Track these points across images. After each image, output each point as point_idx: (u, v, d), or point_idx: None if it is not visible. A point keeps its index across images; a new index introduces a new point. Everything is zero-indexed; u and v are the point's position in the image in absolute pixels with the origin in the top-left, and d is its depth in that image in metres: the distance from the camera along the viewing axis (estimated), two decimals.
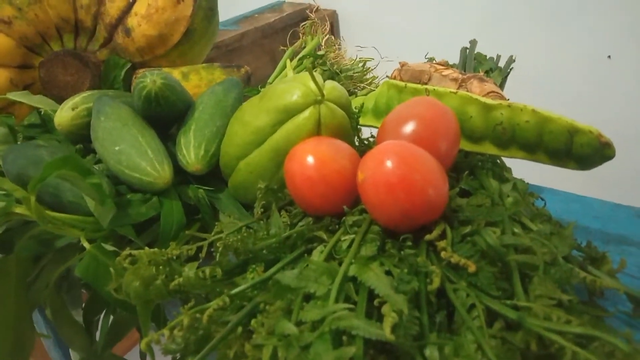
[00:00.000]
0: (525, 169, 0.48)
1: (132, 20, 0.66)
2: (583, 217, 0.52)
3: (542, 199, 0.48)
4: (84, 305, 0.52)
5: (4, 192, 0.45)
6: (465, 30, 0.90)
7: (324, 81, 0.45)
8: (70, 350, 0.67)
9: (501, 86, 0.62)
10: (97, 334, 0.52)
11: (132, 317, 0.51)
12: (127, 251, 0.39)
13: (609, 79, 1.09)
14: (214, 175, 0.51)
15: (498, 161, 0.46)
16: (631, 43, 1.07)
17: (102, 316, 0.51)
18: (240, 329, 0.35)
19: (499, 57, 0.65)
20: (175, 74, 0.67)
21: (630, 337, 0.30)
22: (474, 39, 0.66)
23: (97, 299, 0.51)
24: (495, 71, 0.60)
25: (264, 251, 0.39)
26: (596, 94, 1.10)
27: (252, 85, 0.71)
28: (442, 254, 0.34)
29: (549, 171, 0.55)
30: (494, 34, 0.95)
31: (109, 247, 0.42)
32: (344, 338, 0.29)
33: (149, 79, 0.49)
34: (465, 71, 0.62)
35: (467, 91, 0.46)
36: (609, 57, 1.09)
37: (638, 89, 1.06)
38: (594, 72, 1.10)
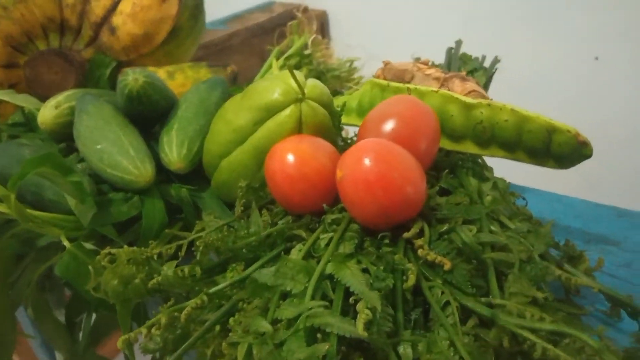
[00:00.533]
0: (509, 170, 0.48)
1: (117, 19, 0.65)
2: (565, 217, 0.52)
3: (524, 199, 0.48)
4: (65, 306, 0.52)
5: None
6: (452, 30, 0.91)
7: (307, 80, 0.45)
8: (56, 352, 0.67)
9: (486, 86, 0.62)
10: (80, 334, 0.52)
11: (114, 316, 0.51)
12: (106, 250, 0.39)
13: (596, 81, 1.09)
14: (197, 174, 0.51)
15: (479, 160, 0.47)
16: (619, 45, 1.08)
17: (84, 316, 0.51)
18: (218, 328, 0.35)
19: (484, 57, 0.66)
20: (161, 73, 0.67)
21: (602, 334, 0.30)
22: (460, 39, 0.66)
23: (80, 298, 0.51)
24: (480, 71, 0.60)
25: (244, 250, 0.39)
26: (583, 95, 1.11)
27: (239, 84, 0.71)
28: (419, 251, 0.34)
29: (533, 172, 0.56)
30: (482, 34, 0.95)
31: (89, 246, 0.42)
32: (319, 335, 0.29)
33: (131, 77, 0.49)
34: (450, 71, 0.62)
35: (449, 90, 0.46)
36: (596, 58, 1.10)
37: (624, 91, 1.07)
38: (581, 73, 1.10)
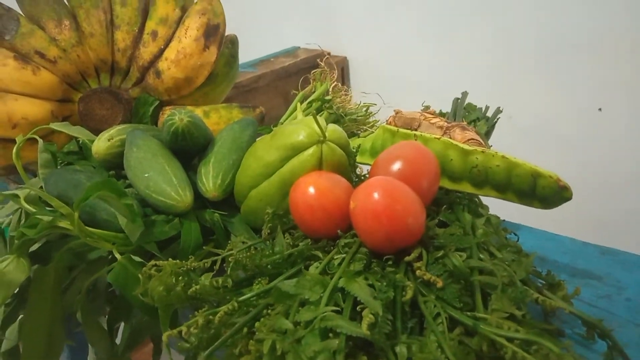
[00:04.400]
0: (506, 209, 0.55)
1: (162, 64, 0.74)
2: (554, 253, 0.58)
3: (515, 234, 0.54)
4: (107, 314, 0.58)
5: (49, 209, 0.53)
6: (462, 80, 0.98)
7: (327, 124, 0.53)
8: (89, 358, 0.73)
9: (488, 134, 0.69)
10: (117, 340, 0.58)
11: (148, 325, 0.58)
12: (152, 262, 0.46)
13: (599, 131, 1.16)
14: (228, 202, 0.59)
15: (475, 199, 0.53)
16: (622, 96, 1.15)
17: (122, 324, 0.58)
18: (245, 330, 0.41)
19: (487, 107, 0.73)
20: (198, 111, 0.75)
21: (569, 347, 0.36)
22: (465, 91, 0.74)
23: (120, 308, 0.57)
24: (482, 120, 0.68)
25: (269, 266, 0.46)
26: (586, 144, 1.17)
27: (265, 123, 0.79)
28: (417, 272, 0.40)
29: (527, 212, 0.62)
30: (490, 84, 1.03)
31: (137, 259, 0.49)
32: (330, 335, 0.35)
33: (177, 117, 0.57)
34: (455, 119, 0.69)
35: (450, 138, 0.54)
36: (600, 109, 1.17)
37: (625, 140, 1.13)
38: (584, 123, 1.17)
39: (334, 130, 0.52)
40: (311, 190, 0.47)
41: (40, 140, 0.64)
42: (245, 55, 1.17)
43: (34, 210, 0.52)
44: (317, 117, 0.49)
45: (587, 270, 0.55)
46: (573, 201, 0.48)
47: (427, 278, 0.39)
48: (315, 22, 1.53)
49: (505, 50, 1.22)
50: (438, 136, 0.52)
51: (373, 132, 0.76)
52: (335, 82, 0.82)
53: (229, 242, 0.52)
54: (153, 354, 0.64)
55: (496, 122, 0.71)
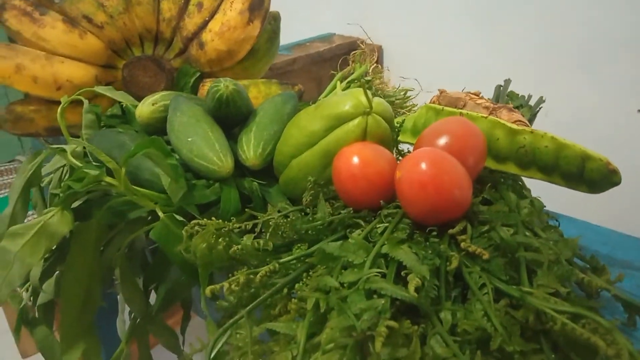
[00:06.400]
0: (546, 196, 0.54)
1: (206, 36, 0.75)
2: (593, 243, 0.57)
3: (556, 220, 0.53)
4: (143, 275, 0.59)
5: (96, 164, 0.54)
6: (500, 70, 0.97)
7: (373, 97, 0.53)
8: (117, 321, 0.75)
9: (529, 122, 0.68)
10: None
11: (182, 288, 0.58)
12: (195, 221, 0.46)
13: (636, 132, 1.13)
14: (267, 172, 0.59)
15: (519, 182, 0.53)
16: None
17: (157, 285, 0.59)
18: (285, 291, 0.42)
19: (529, 96, 0.72)
20: None
21: (614, 326, 0.35)
22: (509, 78, 0.73)
23: (155, 270, 0.58)
24: (525, 108, 0.67)
25: (310, 232, 0.46)
26: (622, 145, 1.15)
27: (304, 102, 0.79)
28: (462, 244, 0.40)
29: (569, 202, 0.61)
30: (528, 77, 1.01)
31: (179, 218, 0.49)
32: (375, 296, 0.35)
33: (222, 84, 0.58)
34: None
35: (497, 118, 0.53)
36: (639, 111, 1.14)
37: None
38: (621, 124, 1.14)
39: (379, 102, 0.51)
40: (355, 159, 0.47)
41: (86, 101, 0.65)
42: (281, 38, 1.17)
43: (80, 164, 0.53)
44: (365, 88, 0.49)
45: (627, 261, 0.54)
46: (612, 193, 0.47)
47: (473, 250, 0.39)
48: (351, 10, 1.52)
49: (547, 40, 1.20)
50: (485, 115, 0.52)
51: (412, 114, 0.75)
52: (374, 64, 0.81)
53: (266, 211, 0.52)
54: (182, 320, 0.65)
55: (538, 111, 0.70)
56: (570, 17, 1.16)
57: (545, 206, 0.53)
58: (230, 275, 0.42)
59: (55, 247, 0.53)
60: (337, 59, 1.21)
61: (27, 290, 0.60)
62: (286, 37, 1.30)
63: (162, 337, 0.60)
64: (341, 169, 0.48)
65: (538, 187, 0.53)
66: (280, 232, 0.47)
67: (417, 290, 0.34)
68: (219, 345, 0.39)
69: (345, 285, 0.37)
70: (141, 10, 0.75)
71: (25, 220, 0.56)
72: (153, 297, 0.59)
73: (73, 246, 0.53)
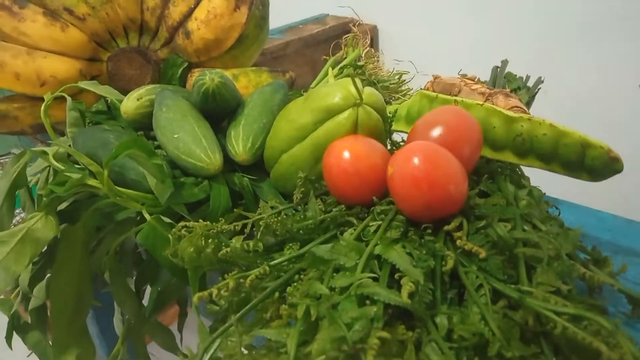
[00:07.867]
0: (546, 183, 0.52)
1: (192, 24, 0.72)
2: (595, 229, 0.56)
3: (557, 208, 0.52)
4: (135, 276, 0.58)
5: (78, 167, 0.52)
6: (498, 49, 0.94)
7: (363, 87, 0.50)
8: (114, 319, 0.74)
9: (528, 104, 0.66)
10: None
11: (175, 288, 0.57)
12: (182, 223, 0.45)
13: (638, 108, 1.11)
14: (258, 166, 0.57)
15: (517, 170, 0.51)
16: None
17: (149, 286, 0.57)
18: (277, 294, 0.40)
19: (527, 77, 0.70)
20: (227, 74, 0.73)
21: (618, 325, 0.34)
22: (506, 59, 0.71)
23: (147, 270, 0.57)
24: (523, 90, 0.64)
25: (301, 232, 0.44)
26: (624, 122, 1.12)
27: (296, 90, 0.77)
28: (458, 242, 0.38)
29: (569, 188, 0.59)
30: (527, 55, 0.99)
31: (166, 220, 0.48)
32: (367, 302, 0.34)
33: (207, 77, 0.56)
34: (494, 88, 0.66)
35: (493, 104, 0.51)
36: None
37: None
38: (622, 100, 1.12)
39: (370, 93, 0.49)
40: (346, 154, 0.45)
41: (69, 98, 0.63)
42: (273, 21, 1.14)
43: (63, 167, 0.51)
44: (355, 79, 0.47)
45: (630, 248, 0.53)
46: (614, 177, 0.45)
47: (469, 248, 0.37)
48: None
49: (546, 19, 1.17)
50: (480, 102, 0.50)
51: (406, 100, 0.73)
52: (367, 48, 0.79)
53: (258, 207, 0.50)
54: (179, 316, 0.64)
55: (537, 92, 0.68)
56: None
57: (545, 193, 0.51)
58: (222, 277, 0.41)
59: (44, 250, 0.52)
60: (331, 40, 1.18)
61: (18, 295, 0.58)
62: (279, 20, 1.28)
63: (157, 338, 0.59)
64: (332, 164, 0.46)
65: (537, 173, 0.51)
66: (271, 232, 0.45)
67: (411, 295, 0.33)
68: (210, 353, 0.38)
69: (336, 290, 0.35)
70: (124, 0, 0.72)
71: (14, 220, 0.55)
72: (148, 293, 0.58)
73: (61, 249, 0.52)
